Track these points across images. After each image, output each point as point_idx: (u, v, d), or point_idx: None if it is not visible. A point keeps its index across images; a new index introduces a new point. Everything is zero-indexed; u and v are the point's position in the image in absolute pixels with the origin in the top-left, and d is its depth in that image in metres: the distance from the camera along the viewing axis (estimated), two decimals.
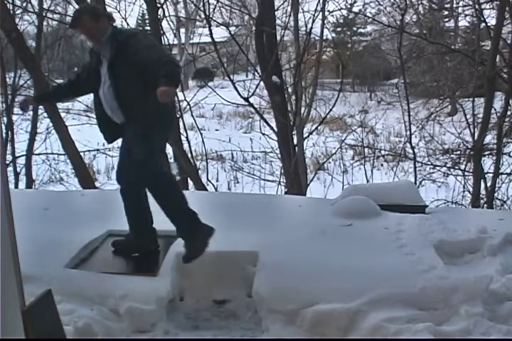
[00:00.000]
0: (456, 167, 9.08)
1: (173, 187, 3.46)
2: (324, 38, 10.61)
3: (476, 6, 8.41)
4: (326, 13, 9.63)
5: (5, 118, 9.17)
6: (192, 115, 9.40)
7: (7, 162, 8.88)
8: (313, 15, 8.91)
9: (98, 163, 12.62)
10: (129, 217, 3.55)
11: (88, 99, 11.52)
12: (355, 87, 24.24)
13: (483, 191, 8.05)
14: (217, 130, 18.27)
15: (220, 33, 9.90)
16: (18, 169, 9.58)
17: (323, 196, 8.33)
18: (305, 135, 9.51)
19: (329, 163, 11.89)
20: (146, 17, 11.83)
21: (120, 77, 3.29)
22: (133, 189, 3.49)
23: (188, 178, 8.66)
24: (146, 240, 3.62)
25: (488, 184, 7.99)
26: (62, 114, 9.13)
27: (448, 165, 9.23)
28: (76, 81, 3.67)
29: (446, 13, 12.77)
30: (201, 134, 9.13)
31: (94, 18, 3.34)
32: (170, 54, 3.40)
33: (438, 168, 9.19)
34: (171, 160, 8.66)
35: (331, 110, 9.72)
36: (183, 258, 3.32)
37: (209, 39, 8.58)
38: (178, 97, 8.20)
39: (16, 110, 10.21)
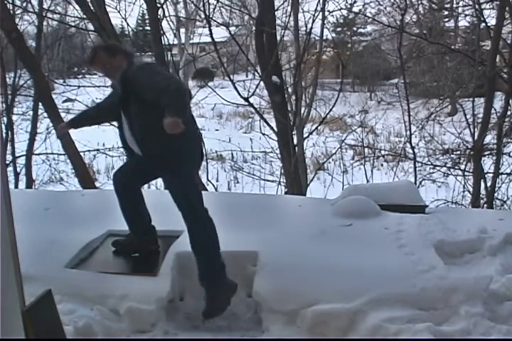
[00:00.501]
0: (456, 167, 9.08)
1: (214, 233, 3.29)
2: (324, 38, 10.59)
3: (476, 6, 8.40)
4: (326, 13, 9.60)
5: (5, 118, 9.17)
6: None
7: (7, 162, 8.88)
8: (313, 15, 8.90)
9: (98, 163, 12.62)
10: (126, 217, 3.54)
11: (88, 98, 11.66)
12: (355, 87, 24.25)
13: (483, 191, 8.05)
14: (217, 130, 18.27)
15: (220, 33, 9.89)
16: (18, 169, 9.58)
17: (323, 196, 8.32)
18: (305, 135, 9.51)
19: (329, 163, 11.88)
20: (146, 17, 11.82)
21: (133, 114, 3.24)
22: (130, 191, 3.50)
23: None
24: (147, 240, 3.60)
25: (488, 184, 7.99)
26: (62, 114, 9.12)
27: (448, 165, 9.23)
28: (99, 108, 3.74)
29: (446, 13, 12.75)
30: (201, 134, 9.12)
31: (110, 54, 3.32)
32: (177, 80, 3.25)
33: (438, 168, 9.18)
34: None
35: (330, 110, 9.71)
36: (203, 315, 3.16)
37: (209, 39, 8.57)
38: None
39: (16, 110, 10.24)
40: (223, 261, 3.23)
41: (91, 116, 3.75)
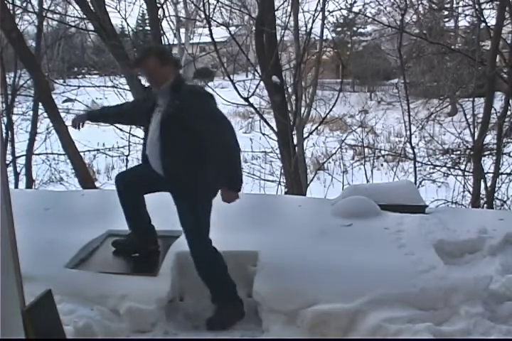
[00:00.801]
0: (456, 167, 9.08)
1: (217, 257, 3.28)
2: (324, 38, 10.59)
3: (476, 6, 8.40)
4: (326, 13, 9.61)
5: (5, 118, 9.17)
6: None
7: (7, 162, 8.88)
8: (313, 15, 8.90)
9: (98, 163, 12.62)
10: (127, 217, 3.52)
11: (88, 98, 11.66)
12: (355, 87, 24.25)
13: (483, 191, 8.05)
14: None
15: (220, 33, 9.89)
16: (18, 169, 9.57)
17: (323, 196, 8.32)
18: (305, 135, 9.51)
19: (329, 163, 11.88)
20: (146, 17, 11.82)
21: (171, 135, 3.11)
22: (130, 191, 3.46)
23: None
24: (147, 239, 3.59)
25: (488, 184, 7.99)
26: (62, 114, 9.11)
27: (448, 165, 9.23)
28: (122, 109, 3.60)
29: (446, 13, 12.75)
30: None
31: (162, 62, 3.14)
32: (234, 134, 3.17)
33: (438, 168, 9.19)
34: None
35: (330, 110, 9.71)
36: (207, 322, 3.18)
37: (209, 39, 8.56)
38: None
39: (16, 110, 10.24)
40: (233, 281, 3.27)
41: (111, 114, 3.67)
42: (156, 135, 3.17)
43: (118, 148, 10.16)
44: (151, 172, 3.27)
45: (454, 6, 10.61)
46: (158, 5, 8.30)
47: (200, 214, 3.21)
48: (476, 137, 7.95)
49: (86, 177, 8.84)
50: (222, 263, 3.26)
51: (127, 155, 9.18)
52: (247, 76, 15.83)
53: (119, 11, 9.07)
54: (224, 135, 3.09)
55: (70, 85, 11.21)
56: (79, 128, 3.52)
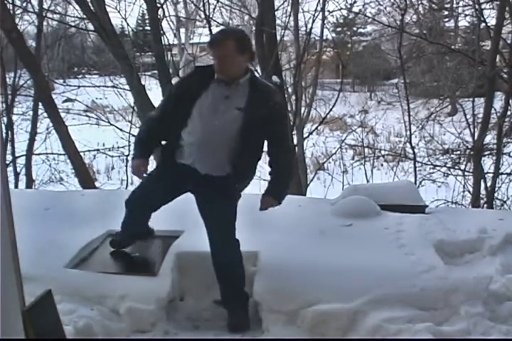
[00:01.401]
0: (456, 167, 9.08)
1: (242, 264, 3.26)
2: (324, 38, 10.61)
3: (476, 6, 8.39)
4: (326, 13, 9.62)
5: (5, 118, 9.17)
6: None
7: (7, 162, 8.88)
8: (313, 15, 8.90)
9: (98, 163, 12.62)
10: (128, 229, 3.43)
11: (88, 98, 11.66)
12: (355, 87, 24.23)
13: (483, 191, 8.05)
14: None
15: None
16: (18, 169, 9.57)
17: (323, 196, 8.32)
18: (305, 135, 9.52)
19: (329, 163, 11.88)
20: (146, 17, 11.81)
21: (252, 135, 2.92)
22: None
23: None
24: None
25: (488, 184, 7.99)
26: (62, 114, 9.13)
27: (448, 165, 9.23)
28: (164, 120, 3.02)
29: (446, 13, 12.75)
30: None
31: (241, 49, 2.88)
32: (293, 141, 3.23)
33: (438, 168, 9.18)
34: None
35: (330, 110, 9.72)
36: (231, 328, 3.14)
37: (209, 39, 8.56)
38: None
39: (16, 110, 10.24)
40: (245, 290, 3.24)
41: (159, 135, 3.09)
42: (228, 131, 2.91)
43: (118, 148, 10.16)
44: (176, 179, 3.05)
45: (454, 6, 10.60)
46: (158, 5, 8.30)
47: (236, 214, 3.20)
48: (476, 137, 7.94)
49: (86, 177, 8.84)
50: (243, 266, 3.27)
51: (127, 155, 9.17)
52: None
53: (119, 11, 9.08)
54: (292, 144, 3.14)
55: (70, 85, 11.21)
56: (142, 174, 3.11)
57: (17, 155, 9.59)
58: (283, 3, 9.58)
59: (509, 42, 8.58)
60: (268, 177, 3.24)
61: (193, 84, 2.97)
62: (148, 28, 12.23)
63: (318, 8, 9.02)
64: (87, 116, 10.74)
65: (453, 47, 11.18)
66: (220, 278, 3.24)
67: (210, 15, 8.57)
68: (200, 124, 2.92)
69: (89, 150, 10.26)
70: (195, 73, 3.10)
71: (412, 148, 8.76)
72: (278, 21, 9.14)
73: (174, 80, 8.94)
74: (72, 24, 10.63)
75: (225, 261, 3.20)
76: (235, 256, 3.22)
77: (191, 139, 2.95)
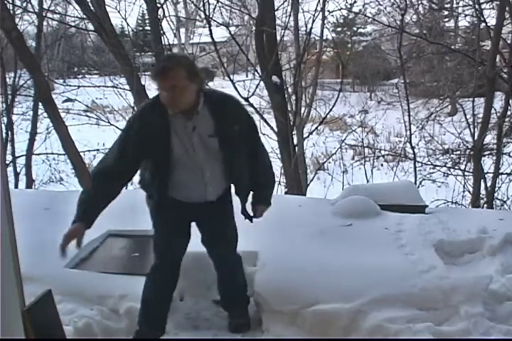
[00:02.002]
0: (456, 167, 9.09)
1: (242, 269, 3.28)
2: (324, 38, 10.61)
3: (476, 6, 8.40)
4: (326, 13, 9.63)
5: (5, 118, 9.18)
6: None
7: (7, 162, 8.88)
8: (313, 15, 8.91)
9: None
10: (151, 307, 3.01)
11: (88, 98, 11.66)
12: (355, 87, 24.21)
13: (483, 191, 8.05)
14: None
15: (220, 33, 9.89)
16: (18, 169, 9.58)
17: (323, 196, 8.32)
18: (305, 135, 9.51)
19: (329, 163, 11.88)
20: (146, 17, 11.82)
21: (233, 157, 2.80)
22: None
23: None
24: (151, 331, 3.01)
25: (488, 184, 8.00)
26: (62, 114, 9.13)
27: (448, 165, 9.24)
28: (119, 166, 2.69)
29: (446, 13, 12.76)
30: None
31: (192, 75, 2.61)
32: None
33: (438, 168, 9.20)
34: None
35: (331, 110, 9.71)
36: (232, 329, 3.16)
37: (209, 39, 8.57)
38: None
39: (16, 110, 10.24)
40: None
41: (103, 196, 2.73)
42: (213, 159, 2.76)
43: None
44: (182, 217, 2.90)
45: (454, 6, 10.62)
46: (158, 5, 8.31)
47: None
48: (476, 137, 7.95)
49: (86, 177, 8.84)
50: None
51: None
52: (247, 76, 15.80)
53: (119, 11, 9.07)
54: (267, 151, 3.09)
55: (70, 85, 11.21)
56: (79, 246, 2.71)
57: (17, 155, 9.60)
58: (283, 3, 9.58)
59: (509, 42, 8.58)
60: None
61: (152, 126, 2.64)
62: (148, 28, 12.22)
63: (318, 8, 9.04)
64: (87, 116, 10.74)
65: (453, 47, 11.19)
66: (224, 286, 3.24)
67: (210, 15, 8.56)
68: (183, 162, 2.71)
69: (89, 150, 10.25)
70: (148, 112, 2.70)
71: (412, 148, 8.77)
72: (278, 21, 9.15)
73: None
74: (72, 24, 10.64)
75: (237, 268, 3.22)
76: (240, 267, 3.24)
77: (180, 177, 2.75)
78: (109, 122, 10.09)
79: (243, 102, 2.64)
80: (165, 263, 2.97)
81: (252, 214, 3.08)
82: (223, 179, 2.85)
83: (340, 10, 10.49)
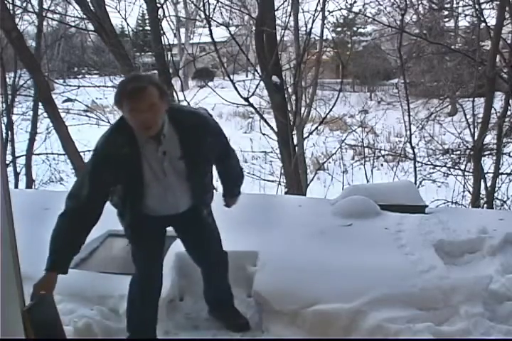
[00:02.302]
0: (456, 167, 9.09)
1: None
2: (324, 38, 10.62)
3: (476, 6, 8.40)
4: (326, 13, 9.64)
5: (5, 118, 9.18)
6: None
7: (7, 162, 8.89)
8: (313, 15, 8.92)
9: None
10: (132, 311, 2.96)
11: (88, 98, 11.66)
12: (355, 87, 24.23)
13: (483, 191, 8.06)
14: None
15: (220, 33, 9.90)
16: (18, 169, 9.59)
17: (323, 196, 8.33)
18: (305, 135, 9.52)
19: (329, 163, 11.89)
20: (146, 17, 11.83)
21: (199, 170, 2.71)
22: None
23: None
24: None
25: (488, 184, 8.00)
26: (62, 114, 9.13)
27: (448, 165, 9.24)
28: (94, 205, 2.57)
29: (446, 13, 12.76)
30: None
31: (162, 94, 2.47)
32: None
33: (438, 168, 9.20)
34: None
35: (331, 110, 9.72)
36: (233, 329, 3.14)
37: (209, 39, 8.58)
38: (178, 97, 8.21)
39: (16, 110, 10.25)
40: None
41: (77, 239, 2.65)
42: (184, 179, 2.66)
43: None
44: (158, 232, 2.87)
45: (454, 6, 10.62)
46: (158, 5, 8.31)
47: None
48: (476, 137, 7.95)
49: None
50: None
51: None
52: (247, 76, 15.83)
53: (119, 11, 9.10)
54: (234, 149, 3.01)
55: (70, 85, 11.23)
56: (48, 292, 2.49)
57: (17, 155, 9.61)
58: (283, 3, 9.60)
59: (509, 42, 8.58)
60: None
61: (122, 155, 2.48)
62: (148, 28, 12.24)
63: (318, 8, 9.06)
64: (87, 116, 10.75)
65: (453, 47, 11.19)
66: (211, 290, 3.22)
67: (210, 15, 8.57)
68: (154, 186, 2.61)
69: (89, 150, 10.21)
70: (116, 141, 2.53)
71: (412, 148, 8.77)
72: (278, 21, 9.17)
73: (174, 80, 8.95)
74: (72, 24, 10.65)
75: (225, 268, 3.19)
76: (226, 269, 3.20)
77: (151, 198, 2.66)
78: (109, 122, 10.09)
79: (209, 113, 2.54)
80: (147, 276, 2.93)
81: (225, 204, 3.14)
82: (191, 196, 2.76)
83: (340, 10, 10.51)
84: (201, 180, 2.77)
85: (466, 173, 8.60)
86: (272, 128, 8.71)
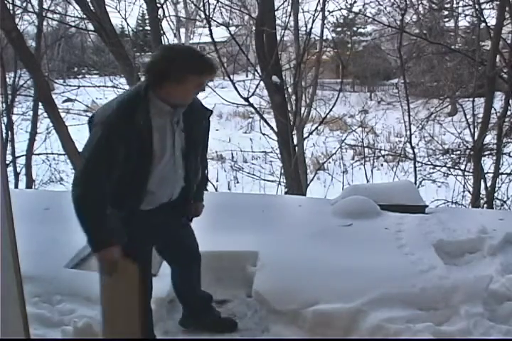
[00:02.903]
0: (456, 167, 9.08)
1: None
2: (324, 38, 10.61)
3: (476, 6, 8.40)
4: (326, 13, 9.63)
5: (5, 118, 9.18)
6: None
7: (7, 162, 8.89)
8: (313, 15, 8.92)
9: None
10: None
11: (88, 98, 11.66)
12: (355, 87, 24.23)
13: (483, 191, 8.05)
14: (217, 130, 18.30)
15: (220, 33, 9.90)
16: (18, 169, 9.59)
17: (323, 196, 8.33)
18: (305, 135, 9.52)
19: (329, 163, 11.89)
20: (146, 17, 11.83)
21: (195, 155, 2.68)
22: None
23: None
24: None
25: (488, 184, 8.00)
26: (62, 114, 9.13)
27: (448, 165, 9.24)
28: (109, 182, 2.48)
29: (446, 13, 12.76)
30: None
31: None
32: None
33: (438, 168, 9.19)
34: None
35: (331, 110, 9.72)
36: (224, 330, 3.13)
37: (209, 39, 8.58)
38: None
39: (16, 110, 10.25)
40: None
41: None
42: (183, 156, 2.63)
43: None
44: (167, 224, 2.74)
45: (454, 6, 10.61)
46: (158, 5, 8.32)
47: None
48: (476, 137, 7.95)
49: None
50: None
51: None
52: (247, 76, 15.82)
53: (119, 11, 9.10)
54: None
55: (70, 85, 11.23)
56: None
57: (17, 155, 9.60)
58: (283, 3, 9.60)
59: (509, 42, 8.58)
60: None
61: (134, 127, 2.38)
62: (148, 28, 12.23)
63: (318, 8, 9.05)
64: (87, 116, 10.72)
65: (453, 47, 11.19)
66: (195, 293, 3.13)
67: (210, 15, 8.57)
68: (164, 163, 2.52)
69: None
70: (126, 111, 2.39)
71: (412, 148, 8.77)
72: (278, 21, 9.17)
73: None
74: (72, 24, 10.65)
75: (196, 271, 3.08)
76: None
77: (153, 183, 2.53)
78: None
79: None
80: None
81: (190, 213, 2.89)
82: (185, 177, 2.67)
83: (340, 10, 10.49)
84: (196, 159, 2.68)
85: (466, 173, 8.60)
86: (272, 128, 8.71)
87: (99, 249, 2.48)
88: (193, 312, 3.15)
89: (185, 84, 2.38)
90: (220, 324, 3.17)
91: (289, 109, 9.05)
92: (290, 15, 9.45)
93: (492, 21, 8.26)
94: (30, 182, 9.68)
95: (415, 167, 8.69)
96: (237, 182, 12.46)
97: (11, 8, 8.86)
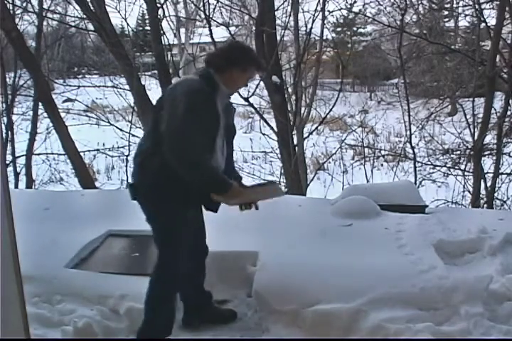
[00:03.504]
0: (456, 167, 9.09)
1: None
2: (324, 38, 10.60)
3: (476, 6, 8.40)
4: (326, 13, 9.62)
5: (5, 118, 9.18)
6: None
7: (7, 162, 8.88)
8: (313, 15, 8.92)
9: (98, 163, 12.64)
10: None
11: (88, 98, 11.66)
12: (355, 87, 24.24)
13: (483, 191, 8.05)
14: None
15: (220, 33, 9.90)
16: (18, 169, 9.58)
17: (323, 196, 8.32)
18: (305, 135, 9.52)
19: (329, 163, 11.89)
20: (146, 17, 11.83)
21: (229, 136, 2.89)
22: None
23: None
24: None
25: (488, 184, 8.00)
26: (62, 114, 9.14)
27: (448, 165, 9.24)
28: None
29: (446, 13, 12.76)
30: None
31: None
32: None
33: (438, 168, 9.20)
34: None
35: (331, 110, 9.72)
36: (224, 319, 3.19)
37: (209, 39, 8.58)
38: None
39: (16, 110, 10.24)
40: None
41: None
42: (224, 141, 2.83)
43: (118, 148, 10.17)
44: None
45: (454, 6, 10.61)
46: (158, 5, 8.31)
47: None
48: (476, 137, 7.95)
49: (86, 177, 8.86)
50: None
51: (127, 155, 9.18)
52: None
53: (119, 11, 9.10)
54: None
55: (70, 85, 11.24)
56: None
57: (17, 155, 9.60)
58: (283, 3, 9.59)
59: (509, 42, 8.59)
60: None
61: (213, 104, 2.64)
62: (148, 28, 12.24)
63: (318, 8, 9.05)
64: (87, 116, 10.76)
65: (453, 47, 11.19)
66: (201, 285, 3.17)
67: (210, 15, 8.58)
68: (220, 143, 2.73)
69: (89, 150, 10.27)
70: (205, 90, 2.63)
71: (412, 148, 8.77)
72: (278, 21, 9.16)
73: (174, 80, 8.95)
74: (72, 24, 10.65)
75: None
76: None
77: (215, 158, 2.70)
78: (109, 122, 10.11)
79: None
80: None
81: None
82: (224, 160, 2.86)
83: (340, 10, 10.49)
84: (229, 146, 2.87)
85: (466, 173, 8.60)
86: (272, 128, 8.71)
87: (229, 187, 2.62)
88: (195, 308, 3.16)
89: (247, 73, 2.76)
90: (221, 315, 3.19)
91: (289, 109, 9.04)
92: (290, 15, 9.44)
93: (492, 21, 8.27)
94: (30, 182, 9.68)
95: (415, 167, 8.69)
96: None
97: (11, 8, 8.86)
